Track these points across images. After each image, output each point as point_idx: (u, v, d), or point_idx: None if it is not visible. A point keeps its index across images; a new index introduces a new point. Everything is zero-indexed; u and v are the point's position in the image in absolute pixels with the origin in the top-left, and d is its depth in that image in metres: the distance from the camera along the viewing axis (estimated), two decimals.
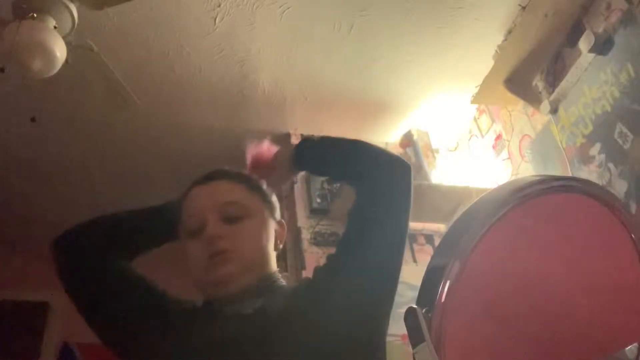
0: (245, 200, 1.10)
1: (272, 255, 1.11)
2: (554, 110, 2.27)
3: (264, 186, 1.17)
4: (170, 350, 1.00)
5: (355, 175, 1.13)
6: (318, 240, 2.51)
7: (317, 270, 1.09)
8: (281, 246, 1.15)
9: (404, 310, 0.68)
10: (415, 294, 0.70)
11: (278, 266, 1.13)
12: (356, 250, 1.05)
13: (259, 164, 1.25)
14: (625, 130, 1.92)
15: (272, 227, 1.13)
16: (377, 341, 1.04)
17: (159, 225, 1.18)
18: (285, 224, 1.19)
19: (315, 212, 2.58)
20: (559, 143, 2.24)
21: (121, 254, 1.14)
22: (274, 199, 1.19)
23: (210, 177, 1.14)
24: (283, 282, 1.11)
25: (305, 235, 2.53)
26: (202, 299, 1.09)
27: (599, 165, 2.01)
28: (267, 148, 1.28)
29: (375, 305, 1.04)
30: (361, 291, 1.01)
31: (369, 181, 1.08)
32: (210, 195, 1.10)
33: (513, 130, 2.58)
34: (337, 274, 1.05)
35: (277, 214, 1.17)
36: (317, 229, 2.54)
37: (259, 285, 1.04)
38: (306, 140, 1.24)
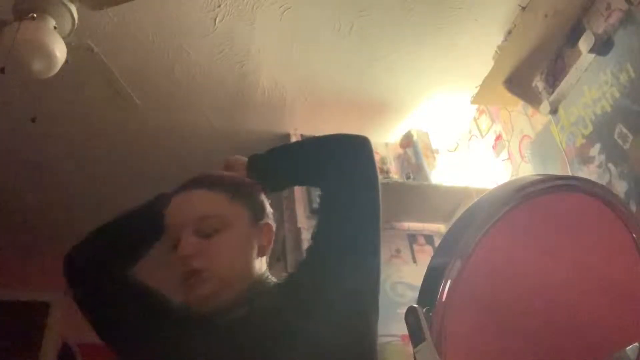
0: (222, 211, 1.05)
1: (255, 264, 1.06)
2: (553, 111, 2.27)
3: (249, 186, 1.12)
4: (163, 355, 1.00)
5: (313, 175, 1.09)
6: None
7: (300, 265, 1.07)
8: (270, 247, 1.11)
9: (404, 310, 0.68)
10: (416, 294, 0.70)
11: (275, 267, 1.12)
12: (331, 243, 1.03)
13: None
14: (625, 130, 1.92)
15: (255, 234, 1.08)
16: (366, 340, 1.01)
17: (154, 222, 1.14)
18: (272, 225, 1.13)
19: (315, 213, 2.57)
20: (559, 143, 2.24)
21: (126, 260, 1.15)
22: (261, 198, 1.13)
23: (188, 186, 1.08)
24: (271, 281, 1.08)
25: (306, 235, 2.52)
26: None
27: (599, 166, 2.01)
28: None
29: (359, 296, 1.01)
30: (343, 284, 0.99)
31: (327, 177, 1.05)
32: (186, 208, 1.05)
33: (513, 130, 2.58)
34: (316, 269, 1.03)
35: (265, 216, 1.12)
36: None
37: (240, 298, 1.01)
38: (254, 158, 1.16)
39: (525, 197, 0.68)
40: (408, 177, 2.65)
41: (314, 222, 2.71)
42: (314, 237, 1.07)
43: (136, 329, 1.07)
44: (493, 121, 2.75)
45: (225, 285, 1.00)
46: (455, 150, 3.04)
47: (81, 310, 1.12)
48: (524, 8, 2.27)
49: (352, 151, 1.07)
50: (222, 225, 1.03)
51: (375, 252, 1.04)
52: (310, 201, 2.60)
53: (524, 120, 2.51)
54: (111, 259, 1.13)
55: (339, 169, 1.05)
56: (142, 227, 1.16)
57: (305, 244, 2.47)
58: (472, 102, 2.63)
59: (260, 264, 1.08)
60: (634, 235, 0.72)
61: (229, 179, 1.11)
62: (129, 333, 1.08)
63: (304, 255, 1.07)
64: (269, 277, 1.09)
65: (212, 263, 1.00)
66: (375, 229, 1.04)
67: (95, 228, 1.19)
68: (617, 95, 1.96)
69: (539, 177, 0.71)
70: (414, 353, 0.63)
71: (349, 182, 1.04)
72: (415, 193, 2.51)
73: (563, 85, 2.22)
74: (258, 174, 1.13)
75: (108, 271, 1.12)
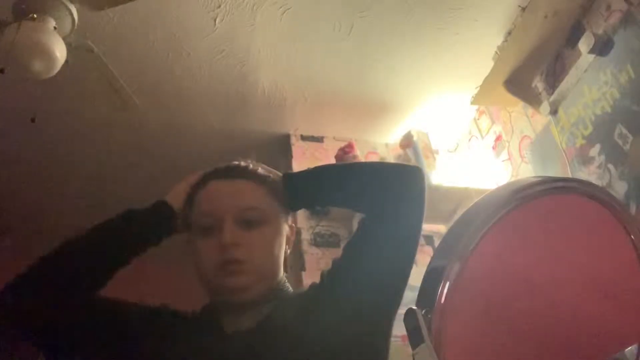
0: (265, 205, 1.05)
1: (282, 262, 1.07)
2: (553, 111, 2.27)
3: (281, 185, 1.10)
4: None
5: (360, 202, 1.07)
6: (318, 241, 2.51)
7: (323, 274, 1.06)
8: (289, 251, 1.10)
9: (403, 311, 0.68)
10: (415, 295, 0.70)
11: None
12: (363, 258, 1.01)
13: None
14: (625, 131, 1.92)
15: (285, 233, 1.09)
16: (381, 345, 1.02)
17: (134, 236, 1.07)
18: (294, 227, 1.14)
19: (315, 213, 2.58)
20: (559, 144, 2.24)
21: (92, 284, 1.04)
22: None
23: (231, 173, 1.07)
24: (289, 287, 1.08)
25: (305, 236, 2.53)
26: (206, 298, 1.06)
27: (599, 167, 2.01)
28: None
29: (382, 311, 1.01)
30: (367, 298, 0.98)
31: (375, 205, 1.02)
32: (230, 196, 1.04)
33: (513, 131, 2.58)
34: (340, 279, 1.02)
35: (290, 217, 1.12)
36: (316, 230, 2.54)
37: (268, 295, 1.02)
38: (293, 177, 1.12)
39: (523, 199, 0.68)
40: None
41: (313, 223, 2.70)
42: (346, 252, 1.05)
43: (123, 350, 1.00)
44: (493, 122, 2.75)
45: (259, 280, 1.00)
46: (455, 150, 3.04)
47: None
48: (524, 8, 2.27)
49: (408, 182, 1.05)
50: (262, 218, 1.03)
51: (405, 277, 1.03)
52: None
53: (524, 120, 2.51)
54: (76, 283, 1.02)
55: (393, 199, 1.02)
56: (118, 240, 1.06)
57: (305, 245, 2.49)
58: (472, 103, 2.63)
59: (282, 266, 1.08)
60: (632, 237, 0.73)
61: (267, 174, 1.11)
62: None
63: (331, 266, 1.05)
64: (287, 282, 1.09)
65: (252, 255, 1.00)
66: (411, 257, 1.03)
67: (39, 261, 1.05)
68: (617, 95, 1.96)
69: (537, 179, 0.71)
70: (412, 355, 0.63)
71: (399, 213, 1.02)
72: None
73: (563, 85, 2.22)
74: (295, 191, 1.09)
75: (73, 296, 1.01)
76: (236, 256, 0.98)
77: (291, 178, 1.12)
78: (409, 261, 1.03)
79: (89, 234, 1.08)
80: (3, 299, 1.02)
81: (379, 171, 1.10)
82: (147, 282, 2.38)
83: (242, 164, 1.11)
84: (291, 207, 1.11)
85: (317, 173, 1.13)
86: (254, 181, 1.07)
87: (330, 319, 0.97)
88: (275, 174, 1.13)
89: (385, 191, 1.03)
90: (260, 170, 1.11)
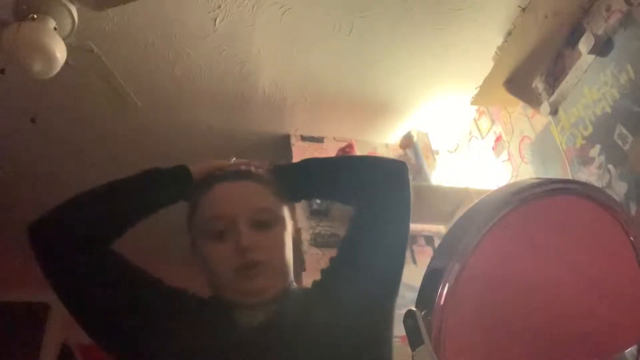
0: (274, 206, 1.06)
1: (292, 263, 1.07)
2: (553, 112, 2.27)
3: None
4: (174, 349, 0.95)
5: (349, 195, 1.10)
6: (318, 241, 2.51)
7: (323, 272, 1.08)
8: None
9: (403, 312, 0.68)
10: (415, 295, 0.70)
11: None
12: (357, 254, 1.05)
13: None
14: (625, 131, 1.92)
15: (292, 233, 1.10)
16: (383, 335, 1.04)
17: (151, 192, 1.08)
18: (299, 229, 1.18)
19: (315, 214, 2.58)
20: (559, 144, 2.24)
21: (109, 233, 1.02)
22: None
23: (237, 175, 1.07)
24: (294, 285, 1.09)
25: (305, 236, 2.53)
26: (212, 294, 1.04)
27: (599, 167, 2.01)
28: None
29: (380, 302, 1.04)
30: (363, 291, 1.01)
31: (364, 198, 1.06)
32: (241, 198, 1.03)
33: (513, 131, 2.58)
34: (338, 275, 1.05)
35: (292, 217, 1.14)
36: (317, 230, 2.54)
37: (280, 295, 1.02)
38: (281, 168, 1.15)
39: (522, 200, 0.68)
40: None
41: (313, 223, 2.70)
42: (340, 249, 1.08)
43: (128, 319, 0.98)
44: (493, 122, 2.75)
45: (276, 281, 1.01)
46: (455, 151, 3.04)
47: (60, 297, 0.98)
48: (523, 9, 2.27)
49: (394, 176, 1.09)
50: (274, 219, 1.04)
51: (400, 266, 1.06)
52: (310, 202, 2.60)
53: (524, 121, 2.51)
54: (94, 228, 1.00)
55: (379, 193, 1.06)
56: (138, 193, 1.07)
57: (305, 245, 2.49)
58: (472, 103, 2.63)
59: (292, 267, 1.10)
60: (631, 238, 0.73)
61: (271, 177, 1.11)
62: (122, 324, 0.98)
63: (329, 264, 1.08)
64: (294, 281, 1.10)
65: (270, 257, 1.00)
66: (403, 247, 1.07)
67: (74, 197, 1.04)
68: (617, 96, 1.96)
69: (536, 181, 0.71)
70: (412, 356, 0.63)
71: (386, 206, 1.05)
72: (415, 194, 2.46)
73: (563, 86, 2.22)
74: (285, 182, 1.11)
75: (89, 246, 0.98)
76: (256, 259, 0.98)
77: (280, 169, 1.14)
78: (402, 251, 1.07)
79: (112, 184, 1.08)
80: (30, 231, 1.00)
81: (364, 164, 1.14)
82: None
83: (243, 167, 1.11)
84: (284, 198, 1.12)
85: (305, 165, 1.17)
86: (259, 182, 1.07)
87: (332, 313, 0.99)
88: (265, 166, 1.14)
89: (371, 184, 1.07)
90: (260, 171, 1.11)
